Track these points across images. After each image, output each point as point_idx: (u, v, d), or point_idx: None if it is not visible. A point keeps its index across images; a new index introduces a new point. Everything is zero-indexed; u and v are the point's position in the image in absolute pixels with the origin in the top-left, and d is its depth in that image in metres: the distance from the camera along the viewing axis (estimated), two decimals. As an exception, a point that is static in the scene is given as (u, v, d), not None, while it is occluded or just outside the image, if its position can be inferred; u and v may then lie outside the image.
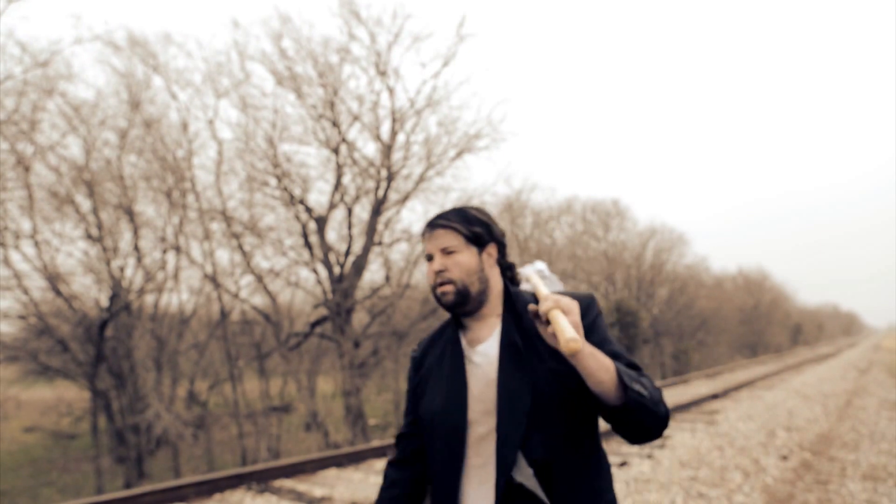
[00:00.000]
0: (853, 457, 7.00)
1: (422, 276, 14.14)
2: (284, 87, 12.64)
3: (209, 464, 12.74)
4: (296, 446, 13.51)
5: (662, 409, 1.27)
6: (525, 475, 1.30)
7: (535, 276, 1.49)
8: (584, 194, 60.40)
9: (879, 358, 29.87)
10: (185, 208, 12.48)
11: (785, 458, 7.08)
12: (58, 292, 11.25)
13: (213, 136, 12.89)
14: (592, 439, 1.39)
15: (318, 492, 6.03)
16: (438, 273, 1.42)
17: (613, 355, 1.32)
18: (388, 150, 13.02)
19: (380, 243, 13.45)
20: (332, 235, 13.39)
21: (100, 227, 11.61)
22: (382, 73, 12.80)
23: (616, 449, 7.67)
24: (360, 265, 13.07)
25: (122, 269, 12.13)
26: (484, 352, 1.42)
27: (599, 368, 1.22)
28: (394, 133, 13.10)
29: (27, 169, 10.65)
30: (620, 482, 6.05)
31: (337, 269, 13.09)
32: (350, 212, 13.14)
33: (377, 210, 13.06)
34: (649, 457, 7.24)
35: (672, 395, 14.25)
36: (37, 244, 11.01)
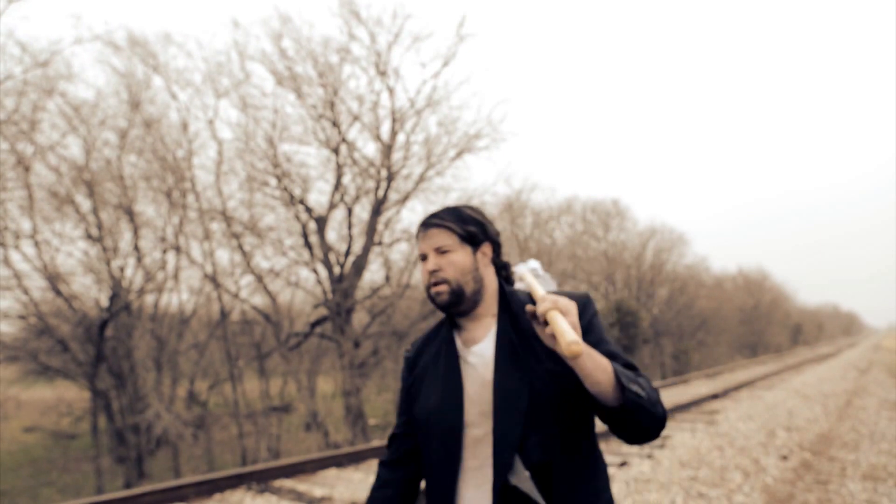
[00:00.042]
0: (853, 457, 7.00)
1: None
2: (284, 87, 12.64)
3: (209, 464, 12.74)
4: (296, 446, 13.51)
5: (660, 409, 1.26)
6: (521, 478, 1.28)
7: (529, 275, 1.47)
8: (584, 194, 60.41)
9: (879, 358, 29.87)
10: (185, 208, 12.49)
11: (785, 458, 7.08)
12: (58, 292, 11.25)
13: (213, 136, 12.90)
14: (589, 440, 1.37)
15: (318, 492, 6.03)
16: (432, 273, 1.41)
17: (610, 355, 1.31)
18: (388, 150, 13.02)
19: (380, 243, 13.45)
20: (332, 235, 13.41)
21: (100, 227, 11.61)
22: (382, 73, 12.80)
23: (616, 449, 7.67)
24: (360, 265, 13.07)
25: (122, 269, 12.13)
26: (480, 352, 1.41)
27: (597, 369, 1.20)
28: (394, 133, 13.11)
29: (27, 169, 10.65)
30: (620, 482, 6.05)
31: (337, 269, 13.09)
32: (350, 212, 13.14)
33: (377, 210, 13.06)
34: (649, 457, 7.24)
35: (672, 395, 14.25)
36: (37, 244, 11.01)
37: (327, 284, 13.07)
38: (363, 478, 6.64)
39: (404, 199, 13.31)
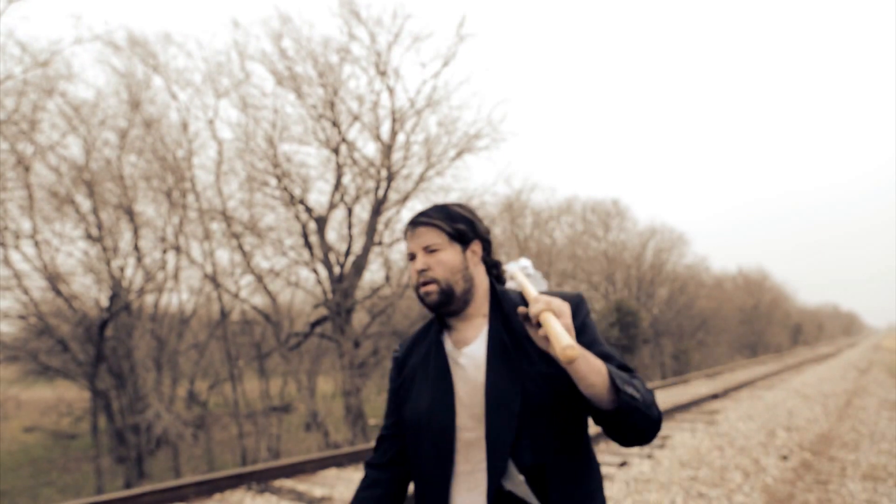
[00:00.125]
0: (853, 457, 7.00)
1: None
2: (284, 87, 12.64)
3: (209, 464, 12.74)
4: (296, 446, 13.51)
5: (655, 411, 1.24)
6: (516, 483, 1.26)
7: (521, 274, 1.44)
8: (584, 194, 60.42)
9: (879, 358, 29.86)
10: (185, 208, 12.49)
11: (785, 458, 7.07)
12: (58, 292, 11.26)
13: (213, 136, 12.90)
14: (582, 442, 1.35)
15: (318, 492, 6.03)
16: (421, 272, 1.38)
17: (604, 356, 1.29)
18: (388, 150, 13.02)
19: (380, 243, 13.45)
20: (332, 235, 13.41)
21: (100, 227, 11.62)
22: (382, 73, 12.80)
23: (616, 449, 7.67)
24: (360, 265, 13.07)
25: (122, 269, 12.14)
26: (471, 354, 1.37)
27: (591, 371, 1.18)
28: (394, 133, 13.10)
29: (27, 169, 10.66)
30: (620, 482, 6.05)
31: (337, 269, 13.09)
32: (350, 212, 13.14)
33: (377, 210, 13.05)
34: (649, 457, 7.24)
35: (672, 395, 14.25)
36: (37, 244, 11.02)
37: (327, 284, 13.07)
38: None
39: (404, 199, 13.31)
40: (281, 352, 13.22)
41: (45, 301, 11.60)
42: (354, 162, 13.09)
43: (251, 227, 12.75)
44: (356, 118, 12.93)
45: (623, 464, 6.87)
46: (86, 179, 11.39)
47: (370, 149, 21.54)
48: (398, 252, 14.46)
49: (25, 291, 11.05)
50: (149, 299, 13.11)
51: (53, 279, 11.11)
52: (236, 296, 13.12)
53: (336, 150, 12.96)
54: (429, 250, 1.38)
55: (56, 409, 13.46)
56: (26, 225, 10.92)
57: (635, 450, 7.64)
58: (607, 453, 7.46)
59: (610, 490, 5.79)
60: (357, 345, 13.11)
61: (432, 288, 1.37)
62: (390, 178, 13.08)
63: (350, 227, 13.12)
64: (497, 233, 18.65)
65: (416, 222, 1.41)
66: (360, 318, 14.58)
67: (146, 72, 12.46)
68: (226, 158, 12.92)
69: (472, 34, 13.64)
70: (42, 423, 14.71)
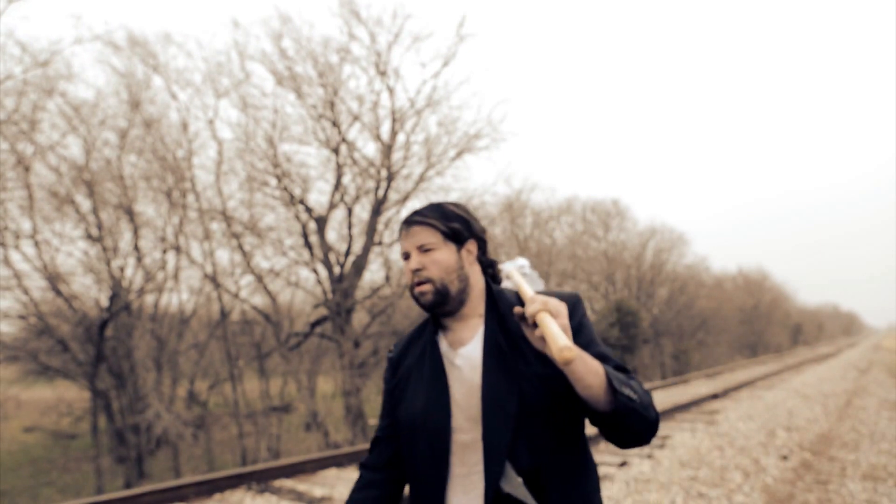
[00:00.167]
0: (853, 457, 7.00)
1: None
2: (284, 87, 12.65)
3: (209, 464, 12.74)
4: (296, 446, 13.51)
5: (652, 413, 1.22)
6: (513, 485, 1.24)
7: (517, 274, 1.42)
8: (584, 194, 60.46)
9: (879, 358, 29.85)
10: (185, 208, 12.49)
11: (785, 458, 7.07)
12: (58, 292, 11.26)
13: (213, 136, 12.91)
14: (579, 443, 1.34)
15: (318, 492, 6.03)
16: (415, 272, 1.36)
17: (601, 357, 1.28)
18: (388, 150, 13.02)
19: (380, 243, 13.45)
20: (332, 235, 13.41)
21: (100, 227, 11.62)
22: (382, 73, 12.80)
23: (616, 449, 7.66)
24: (360, 265, 13.07)
25: (122, 269, 12.14)
26: (466, 355, 1.35)
27: (588, 373, 1.16)
28: (394, 133, 13.11)
29: (27, 169, 10.66)
30: (620, 482, 6.05)
31: (337, 269, 13.09)
32: (350, 212, 13.14)
33: (377, 210, 13.06)
34: (649, 457, 7.23)
35: (672, 395, 14.25)
36: (37, 244, 11.02)
37: (327, 284, 13.07)
38: (362, 478, 6.64)
39: (404, 199, 13.32)
40: (281, 352, 13.22)
41: (45, 301, 11.61)
42: (354, 162, 13.10)
43: (251, 227, 12.75)
44: (356, 118, 12.94)
45: (623, 464, 6.87)
46: (86, 179, 11.39)
47: (370, 149, 21.57)
48: (398, 252, 14.44)
49: (25, 291, 11.06)
50: (149, 299, 13.13)
51: (53, 279, 11.12)
52: (236, 296, 13.12)
53: (336, 150, 12.97)
54: (423, 249, 1.37)
55: (56, 409, 13.46)
56: (26, 225, 10.95)
57: (635, 450, 7.63)
58: (607, 453, 7.46)
59: (610, 490, 5.79)
60: (357, 345, 13.11)
61: (427, 288, 1.35)
62: (390, 178, 13.08)
63: (350, 227, 13.12)
64: (497, 233, 18.65)
65: (411, 221, 1.39)
66: (360, 318, 14.58)
67: (146, 72, 12.49)
68: (226, 158, 12.94)
69: (472, 34, 13.68)
70: (42, 423, 14.72)
